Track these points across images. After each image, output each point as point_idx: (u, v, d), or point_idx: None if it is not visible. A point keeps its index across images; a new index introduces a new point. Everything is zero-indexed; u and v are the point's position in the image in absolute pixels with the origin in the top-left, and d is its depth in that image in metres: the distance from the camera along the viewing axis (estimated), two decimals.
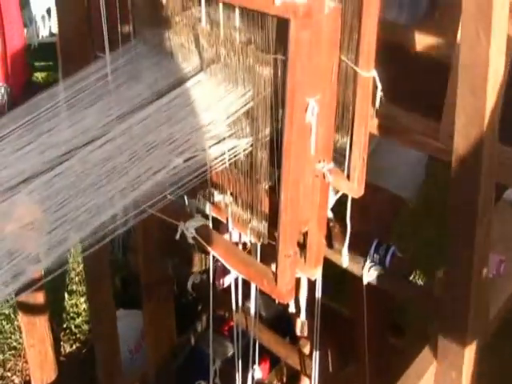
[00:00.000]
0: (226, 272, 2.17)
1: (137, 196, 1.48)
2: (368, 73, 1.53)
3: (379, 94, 1.55)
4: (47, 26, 2.69)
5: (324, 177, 1.58)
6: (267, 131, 1.55)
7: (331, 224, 1.89)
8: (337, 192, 1.74)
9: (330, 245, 1.88)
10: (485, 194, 1.53)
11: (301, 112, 1.44)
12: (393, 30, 1.64)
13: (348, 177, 1.61)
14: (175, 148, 1.57)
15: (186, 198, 1.85)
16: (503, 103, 1.45)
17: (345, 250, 1.84)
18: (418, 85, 1.71)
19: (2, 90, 2.44)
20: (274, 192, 1.58)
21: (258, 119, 1.55)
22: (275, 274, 1.60)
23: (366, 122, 1.56)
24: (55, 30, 2.70)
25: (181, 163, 1.50)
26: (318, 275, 1.70)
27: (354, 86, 1.55)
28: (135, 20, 1.83)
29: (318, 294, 1.83)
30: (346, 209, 1.75)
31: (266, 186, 1.60)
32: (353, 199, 1.69)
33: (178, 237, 1.81)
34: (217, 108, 1.59)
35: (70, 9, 2.19)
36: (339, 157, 1.65)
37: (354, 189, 1.62)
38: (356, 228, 1.81)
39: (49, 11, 2.68)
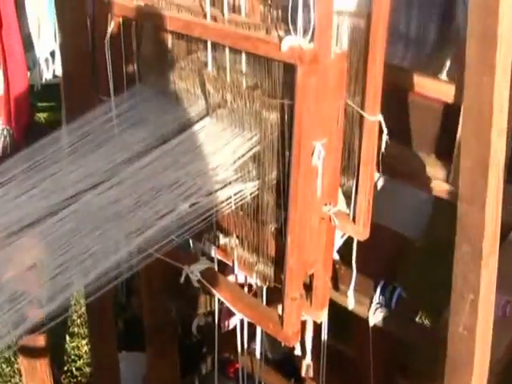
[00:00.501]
0: (231, 314, 2.17)
1: (142, 241, 1.48)
2: (374, 117, 1.54)
3: (385, 137, 1.56)
4: (51, 69, 2.71)
5: (330, 219, 1.59)
6: (274, 175, 1.56)
7: (337, 266, 1.89)
8: (343, 235, 1.75)
9: (335, 287, 1.88)
10: (490, 236, 1.54)
11: (307, 156, 1.46)
12: (398, 73, 1.65)
13: (354, 220, 1.61)
14: (182, 193, 1.57)
15: (191, 241, 1.86)
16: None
17: (350, 292, 1.84)
18: (426, 126, 1.72)
19: (5, 132, 2.45)
20: (280, 234, 1.59)
21: (264, 163, 1.57)
22: (281, 317, 1.60)
23: (372, 166, 1.57)
24: (59, 72, 2.72)
25: (187, 208, 1.50)
26: (323, 317, 1.70)
27: (359, 129, 1.56)
28: (140, 64, 1.85)
29: (324, 336, 1.83)
30: (351, 250, 1.76)
31: (273, 229, 1.60)
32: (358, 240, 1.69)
33: (182, 280, 1.81)
34: (223, 152, 1.60)
35: (75, 52, 2.21)
36: (345, 199, 1.66)
37: (360, 232, 1.62)
38: (362, 269, 1.81)
39: (53, 54, 2.70)
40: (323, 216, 1.58)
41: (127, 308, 3.19)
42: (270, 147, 1.55)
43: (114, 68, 1.87)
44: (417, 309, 1.87)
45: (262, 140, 1.55)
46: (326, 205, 1.57)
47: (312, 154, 1.46)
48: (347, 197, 1.66)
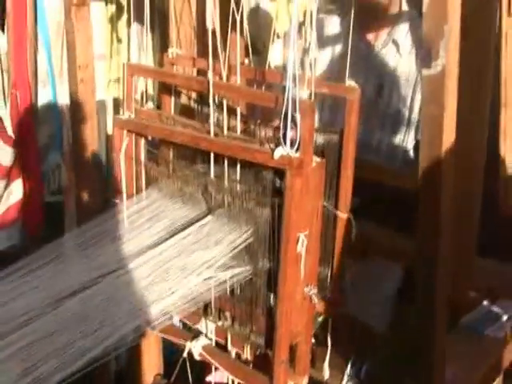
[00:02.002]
0: None
1: (144, 321, 1.81)
2: (345, 214, 1.93)
3: (354, 231, 1.94)
4: (56, 182, 3.07)
5: (310, 299, 1.93)
6: (265, 261, 1.92)
7: (313, 346, 2.21)
8: (320, 315, 2.10)
9: (312, 364, 2.20)
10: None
11: (293, 244, 1.81)
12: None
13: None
14: (187, 275, 1.92)
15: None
16: None
17: (326, 365, 2.16)
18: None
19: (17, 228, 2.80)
20: (269, 310, 1.93)
21: (256, 252, 1.92)
22: (271, 380, 1.93)
23: (344, 255, 1.95)
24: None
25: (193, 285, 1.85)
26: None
27: (334, 224, 1.94)
28: (148, 173, 2.22)
29: None
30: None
31: (263, 306, 1.94)
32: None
33: (185, 354, 2.13)
34: (222, 243, 1.95)
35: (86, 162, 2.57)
36: (321, 285, 2.02)
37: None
38: (335, 347, 2.15)
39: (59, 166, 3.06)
40: (305, 296, 1.93)
41: None
42: (261, 239, 1.90)
43: (127, 175, 2.23)
44: (382, 380, 2.19)
45: (255, 233, 1.91)
46: (307, 286, 1.92)
47: (297, 242, 1.82)
48: (323, 282, 2.03)
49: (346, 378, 2.18)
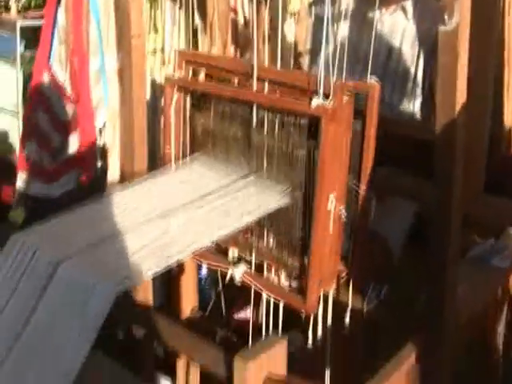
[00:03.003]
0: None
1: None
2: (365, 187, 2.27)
3: (373, 205, 2.28)
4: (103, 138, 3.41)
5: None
6: (301, 194, 2.26)
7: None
8: None
9: (337, 289, 2.54)
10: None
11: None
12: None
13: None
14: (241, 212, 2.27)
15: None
16: None
17: (350, 289, 2.51)
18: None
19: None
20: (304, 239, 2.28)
21: (295, 186, 2.26)
22: (305, 298, 2.27)
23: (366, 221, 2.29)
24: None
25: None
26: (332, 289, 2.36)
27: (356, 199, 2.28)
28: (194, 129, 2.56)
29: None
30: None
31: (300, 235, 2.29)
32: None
33: (227, 279, 2.48)
34: (265, 192, 2.30)
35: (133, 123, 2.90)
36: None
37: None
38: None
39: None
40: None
41: None
42: (298, 176, 2.25)
43: (175, 128, 2.57)
44: (398, 300, 2.55)
45: (293, 169, 2.25)
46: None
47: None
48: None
49: (367, 299, 2.53)
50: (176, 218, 2.17)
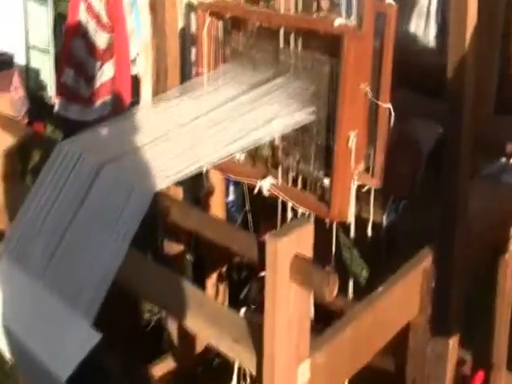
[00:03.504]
0: None
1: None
2: (386, 104, 2.39)
3: (393, 116, 2.41)
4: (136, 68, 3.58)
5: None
6: (325, 109, 2.42)
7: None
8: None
9: (358, 204, 2.70)
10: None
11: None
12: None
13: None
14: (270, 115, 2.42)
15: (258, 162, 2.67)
16: None
17: (371, 202, 2.67)
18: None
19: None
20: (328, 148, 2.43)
21: (319, 103, 2.42)
22: (329, 207, 2.43)
23: (386, 135, 2.42)
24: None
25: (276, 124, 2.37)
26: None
27: (376, 113, 2.40)
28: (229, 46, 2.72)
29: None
30: None
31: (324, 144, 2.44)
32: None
33: (256, 191, 2.64)
34: (294, 96, 2.46)
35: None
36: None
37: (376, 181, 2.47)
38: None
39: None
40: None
41: None
42: (321, 92, 2.40)
43: (208, 50, 2.73)
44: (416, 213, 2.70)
45: (317, 85, 2.40)
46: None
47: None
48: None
49: (386, 212, 2.68)
50: (206, 127, 2.33)
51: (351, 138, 2.37)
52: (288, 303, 1.66)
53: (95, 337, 1.89)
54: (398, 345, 2.37)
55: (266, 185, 2.60)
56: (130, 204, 2.04)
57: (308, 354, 1.78)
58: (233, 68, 2.69)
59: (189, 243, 3.30)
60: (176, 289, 2.01)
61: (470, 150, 2.35)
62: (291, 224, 1.69)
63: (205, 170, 2.45)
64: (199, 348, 3.34)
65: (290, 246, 1.63)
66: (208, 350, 3.30)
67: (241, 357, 1.80)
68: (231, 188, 3.63)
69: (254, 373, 1.77)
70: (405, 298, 2.23)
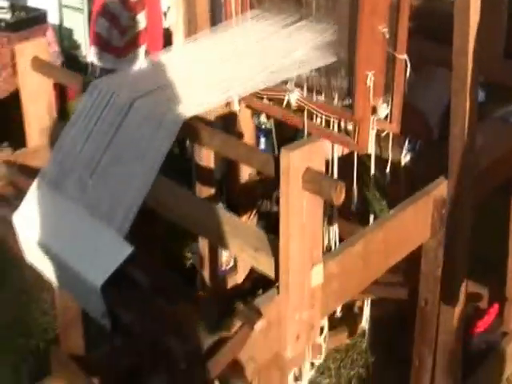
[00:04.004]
0: None
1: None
2: (403, 56, 2.50)
3: (409, 68, 2.52)
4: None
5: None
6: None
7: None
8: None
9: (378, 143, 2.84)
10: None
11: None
12: None
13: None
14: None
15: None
16: None
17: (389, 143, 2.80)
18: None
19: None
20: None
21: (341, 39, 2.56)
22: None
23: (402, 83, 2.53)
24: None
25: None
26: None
27: (393, 62, 2.51)
28: None
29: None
30: None
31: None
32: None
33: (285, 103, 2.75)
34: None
35: None
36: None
37: (394, 127, 2.60)
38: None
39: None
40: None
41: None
42: (343, 33, 2.54)
43: None
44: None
45: (339, 27, 2.54)
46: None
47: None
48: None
49: (404, 151, 2.82)
50: (235, 61, 2.48)
51: (369, 77, 2.49)
52: (301, 211, 1.82)
53: (127, 249, 2.06)
54: (413, 268, 2.54)
55: (293, 97, 2.70)
56: (161, 131, 2.20)
57: (321, 260, 1.94)
58: (259, 13, 2.84)
59: (220, 190, 3.47)
60: (202, 209, 2.19)
61: (476, 91, 2.46)
62: (303, 140, 1.85)
63: (236, 103, 2.58)
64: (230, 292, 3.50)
65: (302, 158, 1.78)
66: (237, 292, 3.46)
67: (261, 264, 1.96)
68: (262, 139, 3.78)
69: (272, 276, 1.93)
70: (416, 222, 2.38)
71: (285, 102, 2.69)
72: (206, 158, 3.22)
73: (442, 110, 2.89)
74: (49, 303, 3.95)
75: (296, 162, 1.78)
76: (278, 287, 1.91)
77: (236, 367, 1.79)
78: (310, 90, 2.69)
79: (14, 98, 3.84)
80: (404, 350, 2.87)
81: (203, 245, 3.38)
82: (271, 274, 1.93)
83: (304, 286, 1.91)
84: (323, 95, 2.67)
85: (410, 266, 2.69)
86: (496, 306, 3.35)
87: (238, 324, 1.82)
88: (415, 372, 2.68)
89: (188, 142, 4.32)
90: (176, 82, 2.39)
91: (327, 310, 2.08)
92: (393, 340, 3.39)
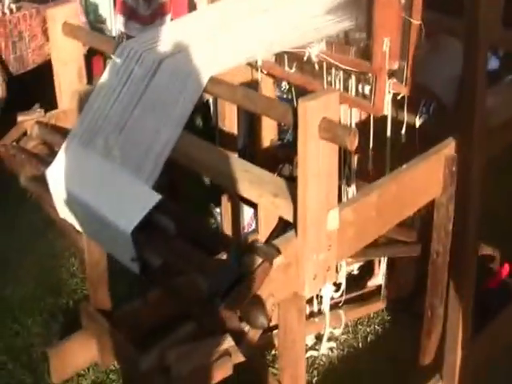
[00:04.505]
0: None
1: None
2: (418, 21, 2.61)
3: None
4: None
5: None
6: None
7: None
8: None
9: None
10: None
11: None
12: None
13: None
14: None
15: None
16: None
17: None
18: None
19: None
20: None
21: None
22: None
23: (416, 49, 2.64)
24: None
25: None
26: None
27: (408, 29, 2.61)
28: None
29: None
30: None
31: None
32: None
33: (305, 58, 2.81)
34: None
35: None
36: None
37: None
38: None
39: None
40: None
41: None
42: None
43: None
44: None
45: None
46: None
47: None
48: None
49: (419, 114, 2.94)
50: (257, 24, 2.61)
51: (385, 43, 2.60)
52: (317, 158, 1.95)
53: (155, 197, 2.20)
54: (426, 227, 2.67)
55: (314, 51, 2.75)
56: (188, 88, 2.34)
57: (336, 205, 2.07)
58: None
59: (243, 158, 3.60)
60: (225, 160, 2.32)
61: (486, 54, 2.56)
62: (319, 92, 1.98)
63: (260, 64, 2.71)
64: None
65: (318, 108, 1.91)
66: None
67: (280, 208, 2.09)
68: None
69: (291, 220, 2.07)
70: (428, 177, 2.51)
71: (305, 57, 2.76)
72: (230, 125, 3.36)
73: (448, 79, 2.99)
74: (76, 267, 4.11)
75: (313, 111, 1.90)
76: (296, 230, 2.04)
77: (257, 302, 1.92)
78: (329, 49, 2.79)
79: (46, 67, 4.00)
80: (419, 308, 2.98)
81: (225, 208, 3.52)
82: (290, 217, 2.07)
83: (321, 228, 2.04)
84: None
85: (423, 225, 2.82)
86: (507, 266, 3.47)
87: (258, 261, 1.95)
88: (427, 323, 2.81)
89: (212, 110, 4.47)
90: (201, 43, 2.51)
91: (343, 255, 2.21)
92: (408, 299, 3.53)
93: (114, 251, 2.39)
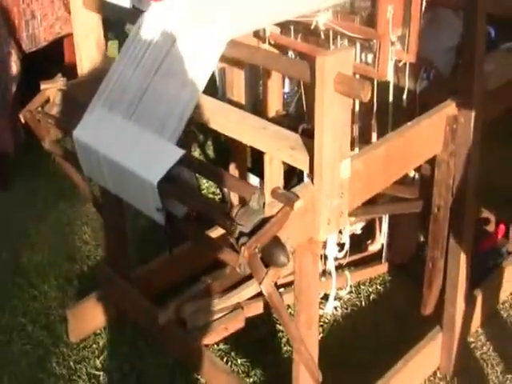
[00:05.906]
0: None
1: None
2: None
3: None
4: None
5: None
6: None
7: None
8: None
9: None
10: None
11: None
12: None
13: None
14: None
15: None
16: None
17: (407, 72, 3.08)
18: None
19: None
20: None
21: None
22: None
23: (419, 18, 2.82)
24: None
25: None
26: None
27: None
28: None
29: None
30: None
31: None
32: None
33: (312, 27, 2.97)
34: None
35: None
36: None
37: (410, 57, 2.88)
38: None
39: None
40: None
41: None
42: None
43: None
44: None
45: None
46: None
47: None
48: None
49: (419, 80, 3.12)
50: None
51: (389, 10, 2.78)
52: (333, 109, 2.13)
53: (179, 152, 2.37)
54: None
55: (321, 19, 2.90)
56: (205, 54, 2.50)
57: (349, 155, 2.25)
58: None
59: None
60: (241, 118, 2.49)
61: (485, 15, 2.72)
62: (335, 49, 2.15)
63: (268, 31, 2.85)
64: None
65: (334, 63, 2.08)
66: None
67: (297, 160, 2.26)
68: (286, 80, 4.03)
69: (307, 170, 2.24)
70: (430, 134, 2.69)
71: (313, 26, 2.92)
72: (238, 94, 3.52)
73: (445, 50, 3.15)
74: (88, 234, 4.29)
75: (329, 66, 2.08)
76: (312, 179, 2.22)
77: (278, 242, 2.10)
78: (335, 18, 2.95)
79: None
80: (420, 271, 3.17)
81: None
82: (306, 168, 2.24)
83: (334, 177, 2.21)
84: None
85: (424, 182, 3.00)
86: (502, 227, 3.67)
87: (279, 206, 2.13)
88: (428, 275, 3.00)
89: (218, 80, 4.63)
90: (216, 12, 2.67)
91: (353, 203, 2.39)
92: (410, 261, 3.72)
93: (140, 204, 2.56)
